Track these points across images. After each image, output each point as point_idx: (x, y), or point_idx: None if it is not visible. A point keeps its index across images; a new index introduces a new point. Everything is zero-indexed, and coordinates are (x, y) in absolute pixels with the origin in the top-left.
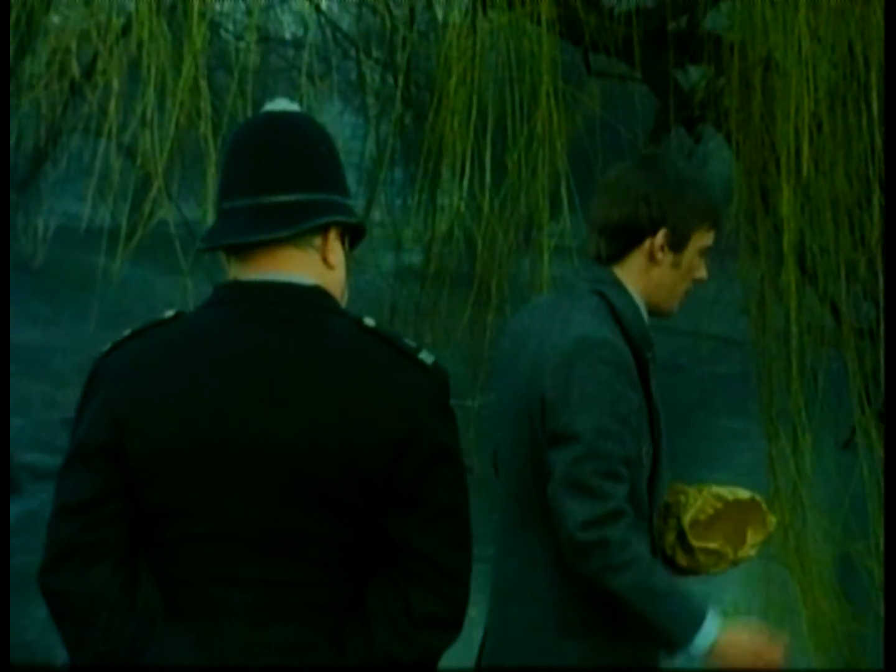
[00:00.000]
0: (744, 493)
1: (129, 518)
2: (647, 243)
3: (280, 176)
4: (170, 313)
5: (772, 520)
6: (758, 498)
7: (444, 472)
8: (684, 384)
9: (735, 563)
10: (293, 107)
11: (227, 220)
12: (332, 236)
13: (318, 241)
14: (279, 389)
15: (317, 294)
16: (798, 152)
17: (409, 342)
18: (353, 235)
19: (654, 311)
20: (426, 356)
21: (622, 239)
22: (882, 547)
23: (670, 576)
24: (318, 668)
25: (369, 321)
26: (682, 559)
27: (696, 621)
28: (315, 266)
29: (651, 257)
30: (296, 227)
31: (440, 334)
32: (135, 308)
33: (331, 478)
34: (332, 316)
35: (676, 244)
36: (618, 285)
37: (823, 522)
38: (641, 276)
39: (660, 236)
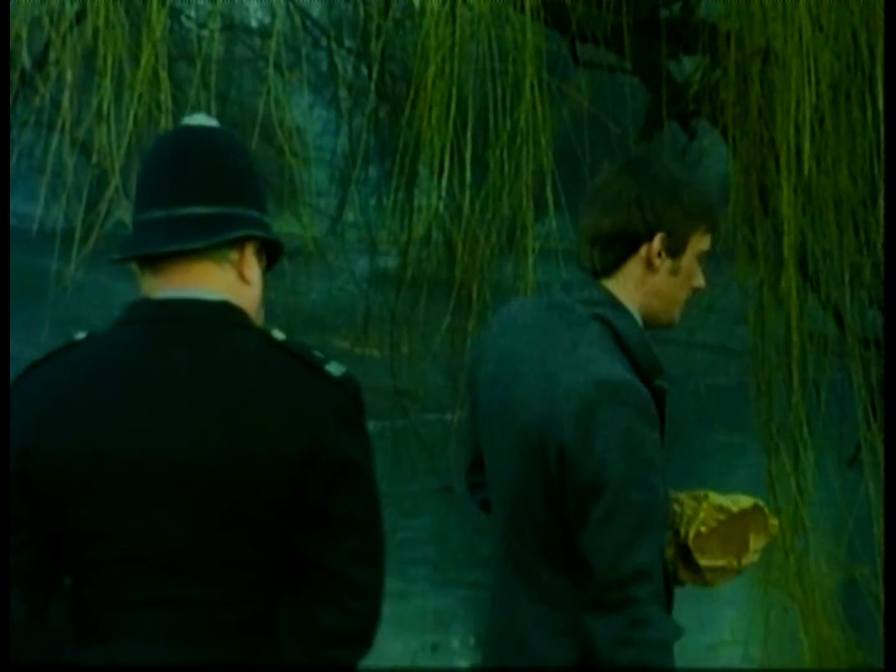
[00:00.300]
0: (745, 501)
1: (40, 545)
2: (643, 250)
3: (196, 188)
4: (80, 335)
5: (774, 523)
6: (759, 503)
7: (350, 486)
8: (677, 397)
9: (739, 573)
10: (212, 122)
11: (141, 232)
12: (249, 251)
13: (234, 255)
14: (181, 409)
15: (223, 309)
16: (799, 149)
17: (318, 354)
18: (270, 254)
19: (653, 324)
20: (335, 368)
21: (616, 248)
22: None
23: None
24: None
25: (278, 334)
26: (685, 576)
27: None
28: (230, 281)
29: (649, 265)
30: (211, 238)
31: (417, 344)
32: (91, 315)
33: (237, 496)
34: (238, 331)
35: (674, 249)
36: (617, 306)
37: (827, 545)
38: (639, 287)
39: (656, 241)
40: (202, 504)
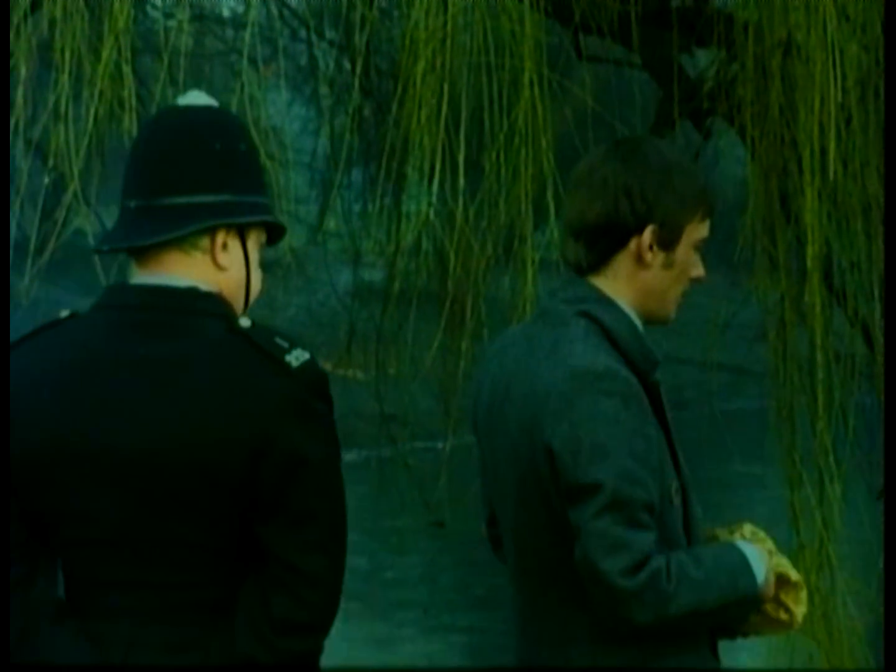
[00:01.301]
0: (792, 572)
1: (22, 521)
2: (632, 244)
3: (168, 177)
4: (65, 313)
5: (800, 580)
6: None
7: (303, 476)
8: (691, 422)
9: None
10: (201, 100)
11: (121, 221)
12: (220, 238)
13: (204, 243)
14: (138, 398)
15: (189, 296)
16: (823, 151)
17: (280, 342)
18: (273, 230)
19: (648, 320)
20: (295, 356)
21: (603, 242)
22: None
23: (697, 554)
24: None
25: (244, 322)
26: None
27: (747, 568)
28: (204, 268)
29: (639, 260)
30: (173, 232)
31: (406, 364)
32: None
33: (189, 483)
34: (202, 318)
35: (667, 241)
36: (603, 300)
37: (855, 585)
38: (630, 284)
39: (647, 234)
40: (157, 490)
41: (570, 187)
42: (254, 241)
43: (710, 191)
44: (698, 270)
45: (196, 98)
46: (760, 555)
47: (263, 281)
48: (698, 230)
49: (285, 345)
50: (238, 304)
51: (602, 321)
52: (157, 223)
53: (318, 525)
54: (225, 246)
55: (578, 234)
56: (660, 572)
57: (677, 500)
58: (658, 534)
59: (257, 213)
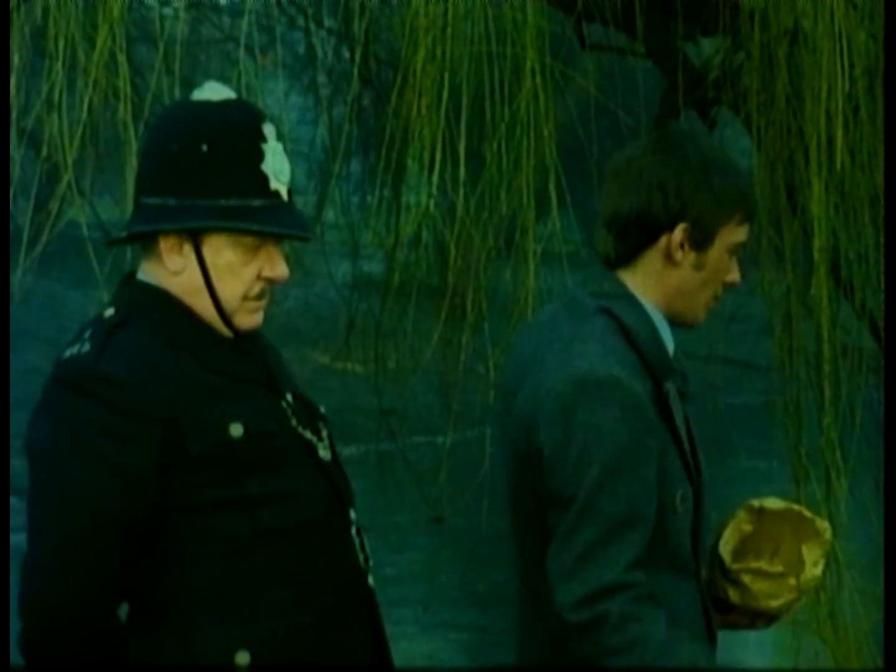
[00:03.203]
0: (775, 503)
1: None
2: (662, 240)
3: (136, 176)
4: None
5: (823, 526)
6: (795, 507)
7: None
8: (696, 417)
9: (803, 591)
10: (205, 94)
11: None
12: (170, 241)
13: (156, 244)
14: None
15: (123, 291)
16: (830, 141)
17: (85, 333)
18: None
19: (676, 322)
20: (75, 349)
21: (633, 236)
22: None
23: (695, 652)
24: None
25: (106, 312)
26: (733, 596)
27: None
28: (160, 270)
29: (668, 257)
30: (122, 233)
31: (405, 358)
32: (40, 328)
33: None
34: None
35: (699, 241)
36: (628, 298)
37: (862, 582)
38: (659, 281)
39: (678, 232)
40: None
41: (607, 178)
42: (219, 245)
43: (751, 195)
44: (733, 276)
45: (200, 93)
46: None
47: (267, 290)
48: (735, 234)
49: (85, 336)
50: (207, 309)
51: (622, 319)
52: (128, 222)
53: (30, 523)
54: (178, 249)
55: (610, 226)
56: (608, 620)
57: (682, 508)
58: (654, 543)
59: (211, 219)
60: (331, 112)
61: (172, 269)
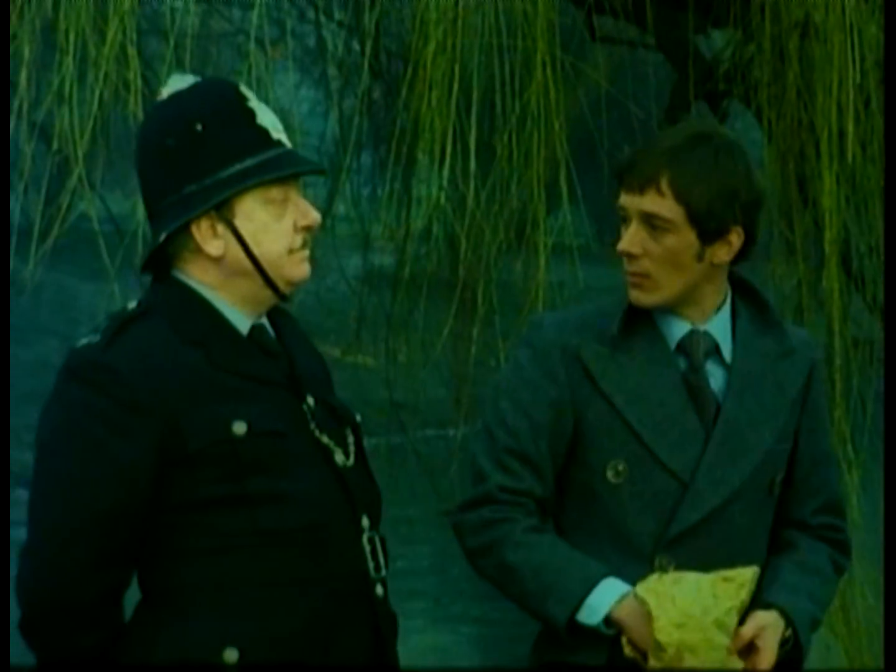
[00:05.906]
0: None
1: None
2: None
3: (144, 190)
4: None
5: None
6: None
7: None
8: None
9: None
10: (170, 88)
11: None
12: (198, 233)
13: (191, 241)
14: None
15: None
16: (842, 133)
17: (102, 322)
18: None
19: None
20: (88, 338)
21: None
22: None
23: (556, 548)
24: (311, 668)
25: (130, 305)
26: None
27: (573, 596)
28: (197, 265)
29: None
30: (160, 241)
31: (416, 351)
32: (52, 320)
33: None
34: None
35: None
36: None
37: (873, 575)
38: None
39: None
40: None
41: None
42: (249, 210)
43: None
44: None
45: (168, 88)
46: (612, 605)
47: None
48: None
49: (103, 323)
50: (248, 294)
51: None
52: (154, 230)
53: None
54: (212, 232)
55: None
56: (468, 526)
57: (617, 480)
58: (589, 511)
59: (235, 185)
60: (341, 105)
61: (215, 254)
